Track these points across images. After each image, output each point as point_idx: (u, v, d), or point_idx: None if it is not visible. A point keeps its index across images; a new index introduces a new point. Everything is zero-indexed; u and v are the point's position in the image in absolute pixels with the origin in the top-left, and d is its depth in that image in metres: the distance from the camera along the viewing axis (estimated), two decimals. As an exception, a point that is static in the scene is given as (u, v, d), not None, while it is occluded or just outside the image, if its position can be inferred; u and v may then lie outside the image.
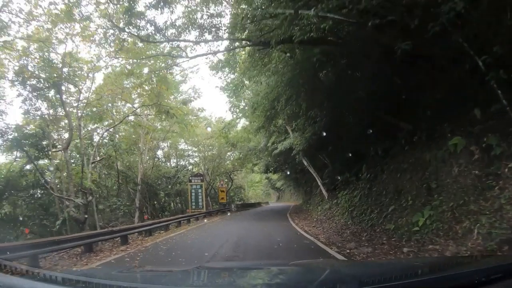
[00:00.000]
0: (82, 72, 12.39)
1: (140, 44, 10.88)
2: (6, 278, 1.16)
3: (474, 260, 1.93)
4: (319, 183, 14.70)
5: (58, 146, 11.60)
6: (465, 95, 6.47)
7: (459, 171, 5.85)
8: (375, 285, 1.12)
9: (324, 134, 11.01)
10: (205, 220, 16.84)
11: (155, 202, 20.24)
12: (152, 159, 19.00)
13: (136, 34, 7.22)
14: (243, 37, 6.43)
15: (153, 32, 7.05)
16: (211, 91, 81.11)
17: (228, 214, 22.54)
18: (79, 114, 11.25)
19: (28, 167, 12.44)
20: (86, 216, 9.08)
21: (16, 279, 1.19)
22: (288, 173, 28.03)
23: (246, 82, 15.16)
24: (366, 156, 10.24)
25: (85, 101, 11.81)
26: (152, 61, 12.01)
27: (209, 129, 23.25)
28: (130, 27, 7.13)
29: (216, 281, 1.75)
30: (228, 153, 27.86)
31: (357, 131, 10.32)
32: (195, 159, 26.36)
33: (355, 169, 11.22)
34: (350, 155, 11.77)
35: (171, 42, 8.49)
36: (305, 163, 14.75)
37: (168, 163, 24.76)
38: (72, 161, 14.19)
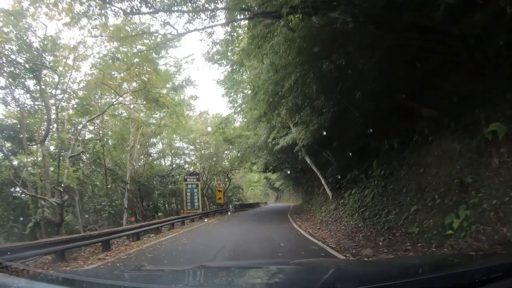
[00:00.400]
0: (67, 60, 11.35)
1: (129, 30, 9.93)
2: (8, 279, 1.14)
3: (474, 259, 1.84)
4: (323, 182, 13.75)
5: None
6: (500, 75, 5.58)
7: (500, 162, 4.92)
8: (376, 284, 1.09)
9: (329, 129, 10.09)
10: (202, 222, 15.80)
11: (150, 203, 19.13)
12: (144, 156, 17.85)
13: (119, 7, 6.22)
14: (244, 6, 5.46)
15: (138, 4, 6.06)
16: (207, 87, 77.50)
17: (226, 215, 21.57)
18: (57, 103, 10.17)
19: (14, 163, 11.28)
20: (63, 217, 8.01)
21: (17, 280, 1.16)
22: (288, 172, 27.35)
23: (245, 75, 14.32)
24: (378, 151, 9.30)
25: (69, 91, 10.76)
26: (144, 51, 11.02)
27: (209, 128, 22.27)
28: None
29: (217, 280, 1.73)
30: (226, 152, 26.87)
31: (366, 124, 9.39)
32: (192, 157, 25.26)
33: (364, 165, 10.28)
34: (358, 151, 10.85)
35: (162, 25, 7.58)
36: (308, 161, 13.80)
37: (163, 161, 23.70)
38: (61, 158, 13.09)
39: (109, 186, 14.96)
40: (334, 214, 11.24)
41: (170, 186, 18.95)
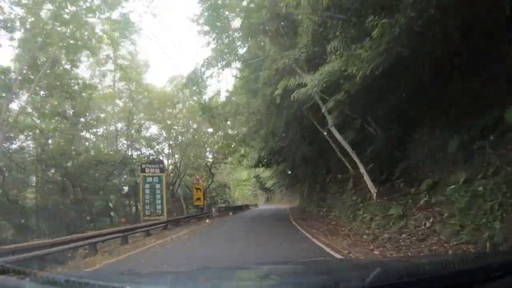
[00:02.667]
0: None
1: None
2: (9, 281, 1.17)
3: (475, 258, 1.78)
4: (362, 171, 8.44)
5: None
6: None
7: None
8: (377, 284, 1.10)
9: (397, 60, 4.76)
10: (163, 236, 9.91)
11: (93, 207, 12.92)
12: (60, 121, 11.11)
13: None
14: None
15: None
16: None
17: (207, 221, 15.84)
18: None
19: None
20: None
21: (18, 281, 1.19)
22: (289, 172, 23.22)
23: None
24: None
25: None
26: None
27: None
28: None
29: (216, 282, 1.63)
30: (210, 139, 21.07)
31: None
32: (161, 144, 18.92)
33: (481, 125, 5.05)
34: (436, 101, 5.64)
35: None
36: (338, 137, 8.51)
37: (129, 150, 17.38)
38: None
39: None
40: (408, 227, 5.83)
41: (116, 181, 12.80)
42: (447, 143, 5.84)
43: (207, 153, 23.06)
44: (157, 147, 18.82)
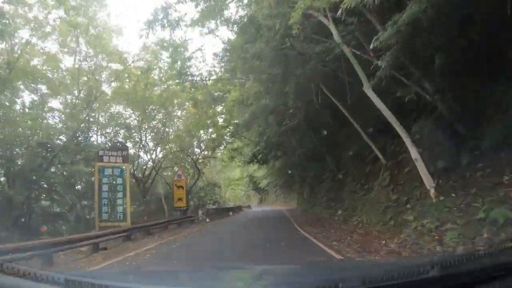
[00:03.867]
0: None
1: None
2: (8, 280, 1.13)
3: (475, 258, 1.60)
4: (414, 156, 5.73)
5: None
6: None
7: None
8: (376, 284, 1.07)
9: None
10: (116, 254, 6.80)
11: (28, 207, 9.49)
12: None
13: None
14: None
15: None
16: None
17: (190, 227, 12.91)
18: None
19: None
20: None
21: (17, 280, 1.14)
22: (289, 171, 21.76)
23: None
24: None
25: None
26: None
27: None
28: None
29: (217, 282, 1.65)
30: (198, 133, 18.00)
31: None
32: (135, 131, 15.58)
33: None
34: None
35: None
36: (377, 104, 5.79)
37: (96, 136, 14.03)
38: None
39: None
40: None
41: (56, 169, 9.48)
42: None
43: (194, 147, 20.00)
44: (136, 138, 15.56)
